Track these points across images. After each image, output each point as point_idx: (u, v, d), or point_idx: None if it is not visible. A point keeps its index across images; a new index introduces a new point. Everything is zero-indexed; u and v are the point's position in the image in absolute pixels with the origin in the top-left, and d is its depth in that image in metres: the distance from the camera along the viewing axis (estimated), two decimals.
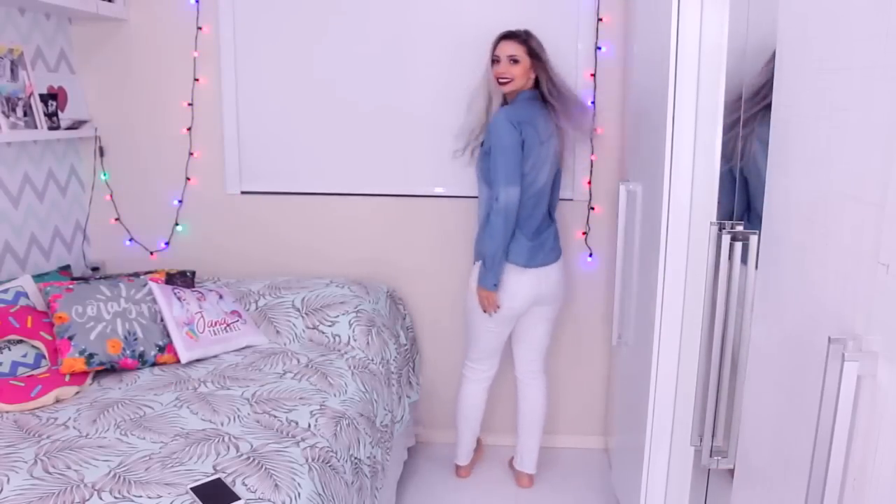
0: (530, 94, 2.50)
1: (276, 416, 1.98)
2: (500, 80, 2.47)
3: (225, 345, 2.48)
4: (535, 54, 2.47)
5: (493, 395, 3.02)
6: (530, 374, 2.76)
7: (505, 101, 2.57)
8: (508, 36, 2.47)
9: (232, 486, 1.62)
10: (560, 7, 2.79)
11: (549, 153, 2.49)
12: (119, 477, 1.65)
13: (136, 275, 2.68)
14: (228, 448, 1.79)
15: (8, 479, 1.64)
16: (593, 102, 2.83)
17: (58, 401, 2.09)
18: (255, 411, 2.02)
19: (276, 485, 1.64)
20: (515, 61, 2.44)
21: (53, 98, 2.73)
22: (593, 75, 2.81)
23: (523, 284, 2.52)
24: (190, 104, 2.96)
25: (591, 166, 2.88)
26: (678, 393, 2.03)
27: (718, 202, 1.85)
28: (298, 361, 2.41)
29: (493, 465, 2.96)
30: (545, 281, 2.57)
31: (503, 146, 2.38)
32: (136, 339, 2.33)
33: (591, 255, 2.96)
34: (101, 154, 3.03)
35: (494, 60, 2.48)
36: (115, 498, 1.56)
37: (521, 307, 2.57)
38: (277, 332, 2.63)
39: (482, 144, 2.54)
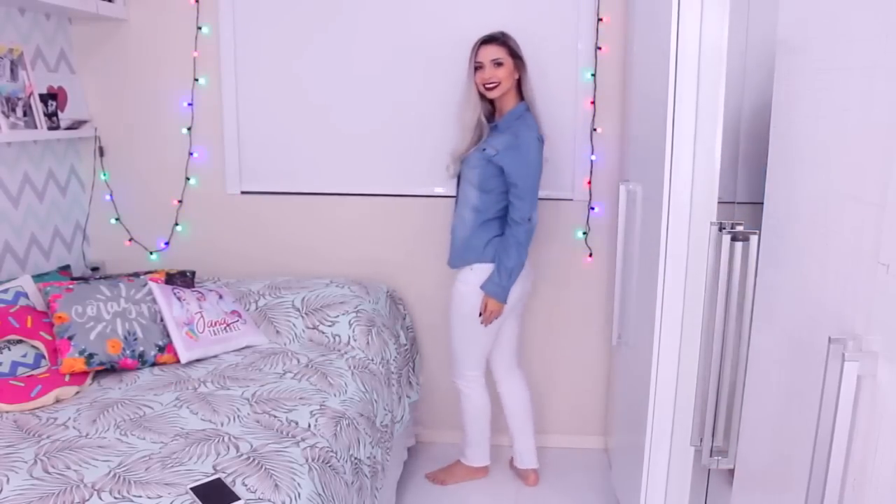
0: (524, 104, 2.51)
1: (276, 416, 1.98)
2: (488, 86, 2.45)
3: (225, 345, 2.48)
4: (516, 54, 2.48)
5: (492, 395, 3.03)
6: (510, 371, 2.76)
7: (492, 110, 2.56)
8: (487, 40, 2.46)
9: (232, 486, 1.62)
10: (560, 7, 2.79)
11: None
12: (119, 477, 1.65)
13: (136, 275, 2.68)
14: (228, 448, 1.79)
15: (8, 479, 1.64)
16: (593, 102, 2.83)
17: (58, 401, 2.09)
18: (255, 411, 2.02)
19: (276, 485, 1.64)
20: (499, 64, 2.44)
21: (53, 98, 2.73)
22: (593, 75, 2.81)
23: (520, 282, 2.54)
24: (190, 104, 2.96)
25: (591, 166, 2.88)
26: (678, 393, 2.03)
27: (718, 202, 1.85)
28: (298, 361, 2.41)
29: (493, 466, 2.95)
30: (529, 276, 2.62)
31: (537, 168, 2.44)
32: (135, 339, 2.33)
33: (591, 255, 2.96)
34: (101, 154, 3.03)
35: (477, 68, 2.46)
36: (115, 498, 1.56)
37: (514, 305, 2.59)
38: (277, 332, 2.63)
39: (484, 150, 2.48)
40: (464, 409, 2.74)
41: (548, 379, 3.09)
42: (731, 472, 1.64)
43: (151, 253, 3.09)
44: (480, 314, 2.51)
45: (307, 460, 1.76)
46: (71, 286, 2.37)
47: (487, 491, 2.80)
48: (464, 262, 2.55)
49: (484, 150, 2.47)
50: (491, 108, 2.56)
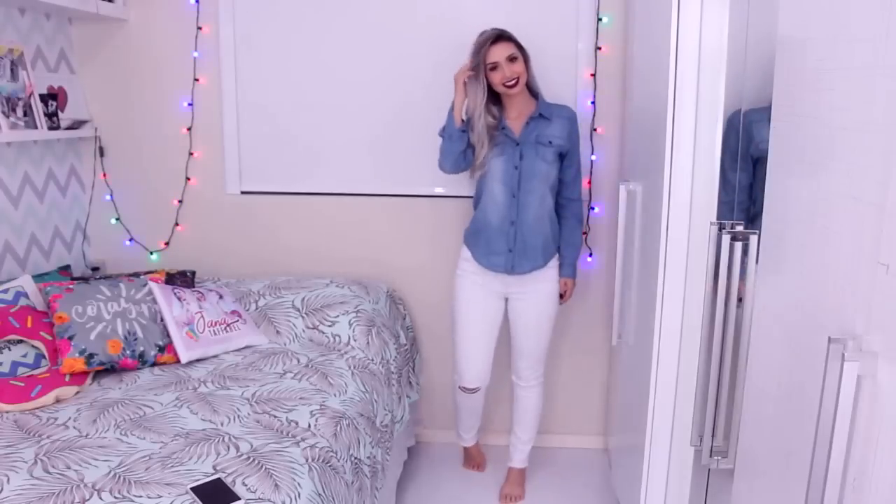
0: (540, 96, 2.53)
1: (276, 416, 1.98)
2: (509, 83, 2.37)
3: (225, 345, 2.48)
4: (522, 46, 2.42)
5: (495, 397, 3.03)
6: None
7: (498, 110, 2.46)
8: (496, 39, 2.37)
9: (232, 486, 1.62)
10: (560, 7, 2.79)
11: None
12: (119, 477, 1.65)
13: (136, 275, 2.68)
14: (228, 448, 1.79)
15: (8, 479, 1.64)
16: (593, 102, 2.83)
17: (58, 401, 2.09)
18: (255, 411, 2.02)
19: (276, 485, 1.64)
20: (514, 59, 2.37)
21: (53, 98, 2.73)
22: (593, 75, 2.81)
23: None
24: (190, 104, 2.96)
25: (591, 166, 2.88)
26: (678, 393, 2.03)
27: (718, 202, 1.85)
28: (298, 361, 2.41)
29: (494, 465, 2.95)
30: None
31: None
32: (136, 339, 2.33)
33: (591, 255, 2.96)
34: (101, 154, 3.03)
35: (492, 68, 2.37)
36: (115, 498, 1.56)
37: None
38: (277, 332, 2.63)
39: (550, 143, 2.43)
40: (536, 409, 2.72)
41: (548, 379, 3.08)
42: (731, 471, 1.64)
43: (151, 253, 3.09)
44: (562, 295, 2.63)
45: (307, 460, 1.76)
46: (71, 286, 2.37)
47: (487, 490, 2.80)
48: (549, 258, 2.56)
49: (550, 142, 2.44)
50: (495, 108, 2.46)
